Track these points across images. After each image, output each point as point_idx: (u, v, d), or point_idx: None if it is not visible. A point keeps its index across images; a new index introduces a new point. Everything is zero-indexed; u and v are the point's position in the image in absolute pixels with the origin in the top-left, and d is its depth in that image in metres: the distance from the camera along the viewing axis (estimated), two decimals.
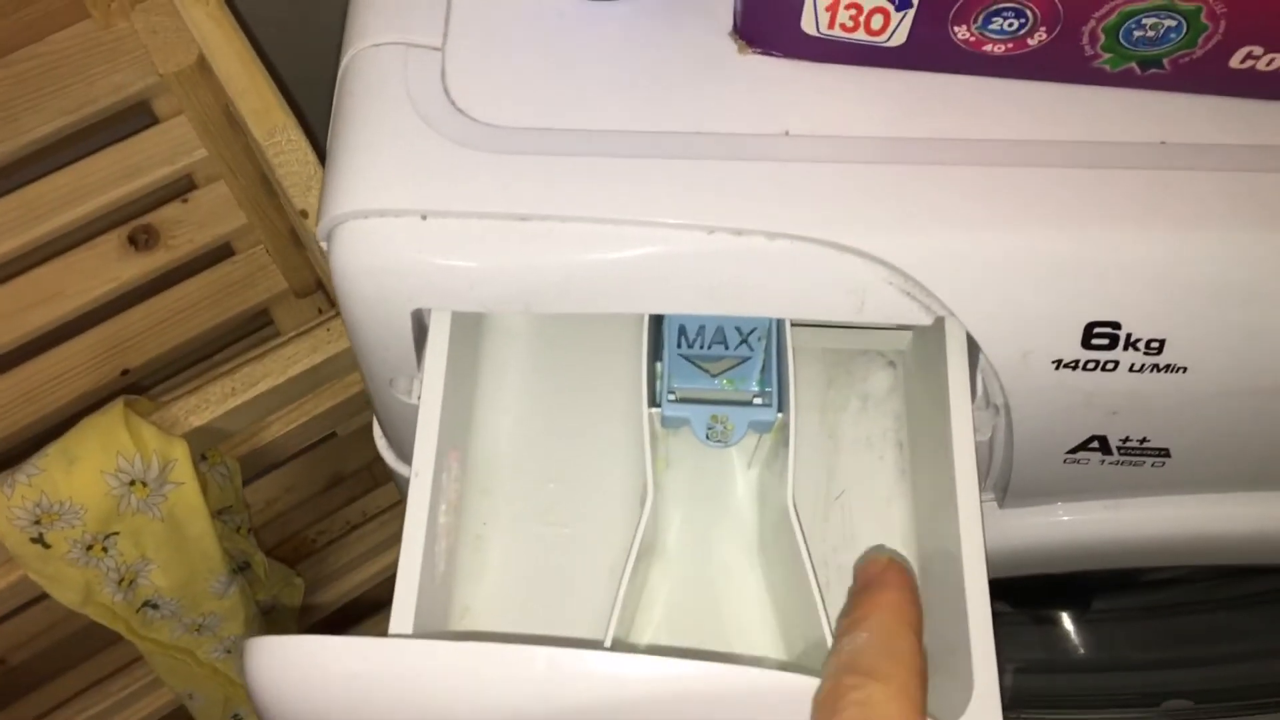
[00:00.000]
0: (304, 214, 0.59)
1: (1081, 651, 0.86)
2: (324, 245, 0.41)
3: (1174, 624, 0.85)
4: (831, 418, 0.49)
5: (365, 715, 0.34)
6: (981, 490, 0.48)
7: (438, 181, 0.40)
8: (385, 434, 0.53)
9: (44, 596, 0.80)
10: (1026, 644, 0.87)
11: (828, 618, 0.38)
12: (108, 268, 0.77)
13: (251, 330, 0.94)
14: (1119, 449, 0.44)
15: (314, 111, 0.78)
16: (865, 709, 0.31)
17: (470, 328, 0.47)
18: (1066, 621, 0.87)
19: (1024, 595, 0.86)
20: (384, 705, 0.34)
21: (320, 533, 0.99)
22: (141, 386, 0.82)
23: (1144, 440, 0.44)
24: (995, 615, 0.91)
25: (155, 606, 0.70)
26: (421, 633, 0.37)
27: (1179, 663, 0.85)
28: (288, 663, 0.34)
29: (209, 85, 0.64)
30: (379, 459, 0.85)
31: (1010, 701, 0.86)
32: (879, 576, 0.36)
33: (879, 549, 0.39)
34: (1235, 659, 0.84)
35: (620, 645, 0.41)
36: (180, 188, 0.79)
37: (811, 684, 0.34)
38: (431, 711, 0.34)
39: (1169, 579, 0.84)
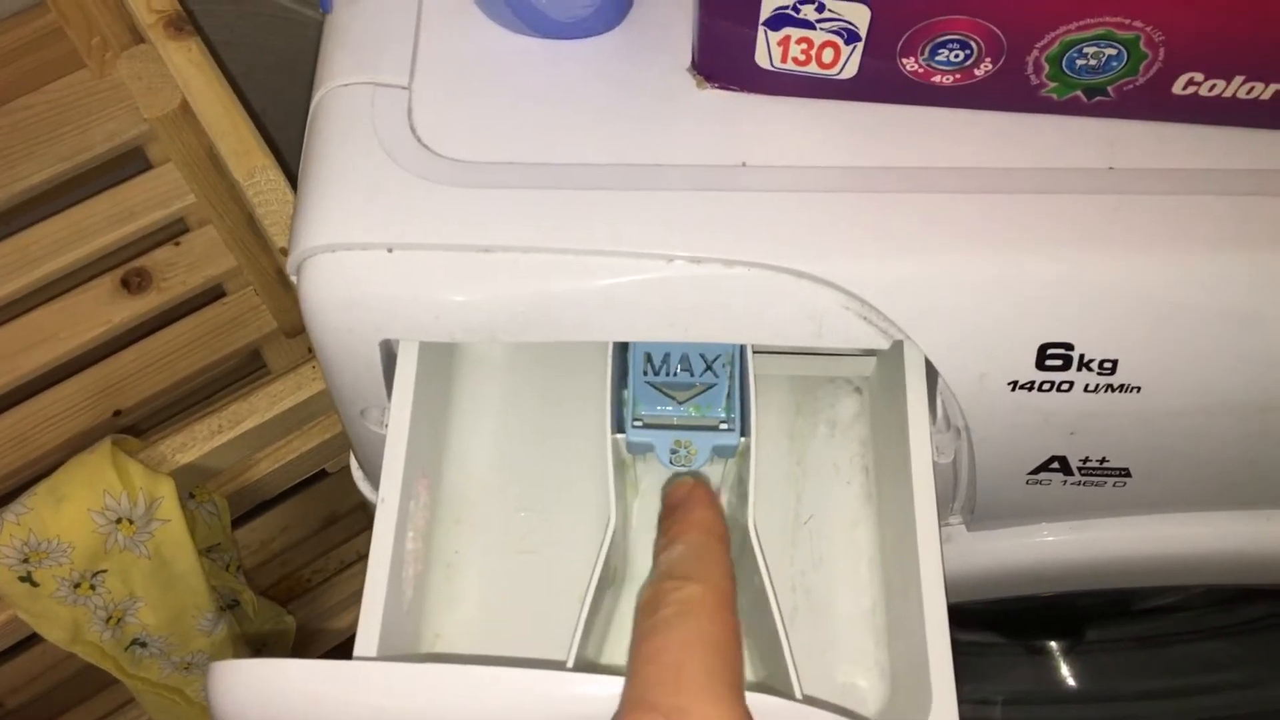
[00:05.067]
0: (284, 252, 0.60)
1: (1073, 683, 0.86)
2: (294, 279, 0.42)
3: (1166, 654, 0.85)
4: (800, 444, 0.49)
5: None
6: (949, 513, 0.49)
7: (403, 215, 0.41)
8: (361, 466, 0.54)
9: (36, 641, 0.80)
10: (1018, 675, 0.87)
11: (787, 638, 0.38)
12: (101, 310, 0.79)
13: (245, 374, 0.96)
14: (1080, 469, 0.45)
15: (296, 150, 0.80)
16: (684, 604, 0.35)
17: (443, 358, 0.48)
18: (1058, 652, 0.87)
19: (1015, 626, 0.86)
20: None
21: (315, 572, 1.00)
22: (133, 428, 0.83)
23: (1103, 460, 0.45)
24: (986, 646, 0.90)
25: (143, 644, 0.70)
26: (385, 656, 0.38)
27: (1172, 693, 0.85)
28: (249, 687, 0.34)
29: (193, 129, 0.66)
30: None
31: None
32: (686, 497, 0.40)
33: (680, 480, 0.42)
34: (1230, 687, 0.84)
35: (591, 668, 0.42)
36: (173, 231, 0.81)
37: (769, 702, 0.34)
38: None
39: (1161, 608, 0.84)
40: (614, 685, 0.34)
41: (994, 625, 0.85)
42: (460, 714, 0.34)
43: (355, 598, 1.00)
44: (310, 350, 0.85)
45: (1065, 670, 0.85)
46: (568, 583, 0.46)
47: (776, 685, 0.39)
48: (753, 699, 0.34)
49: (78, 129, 0.77)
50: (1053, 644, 0.86)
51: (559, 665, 0.38)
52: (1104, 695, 0.85)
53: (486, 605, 0.46)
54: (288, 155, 0.67)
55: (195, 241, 0.80)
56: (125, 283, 0.80)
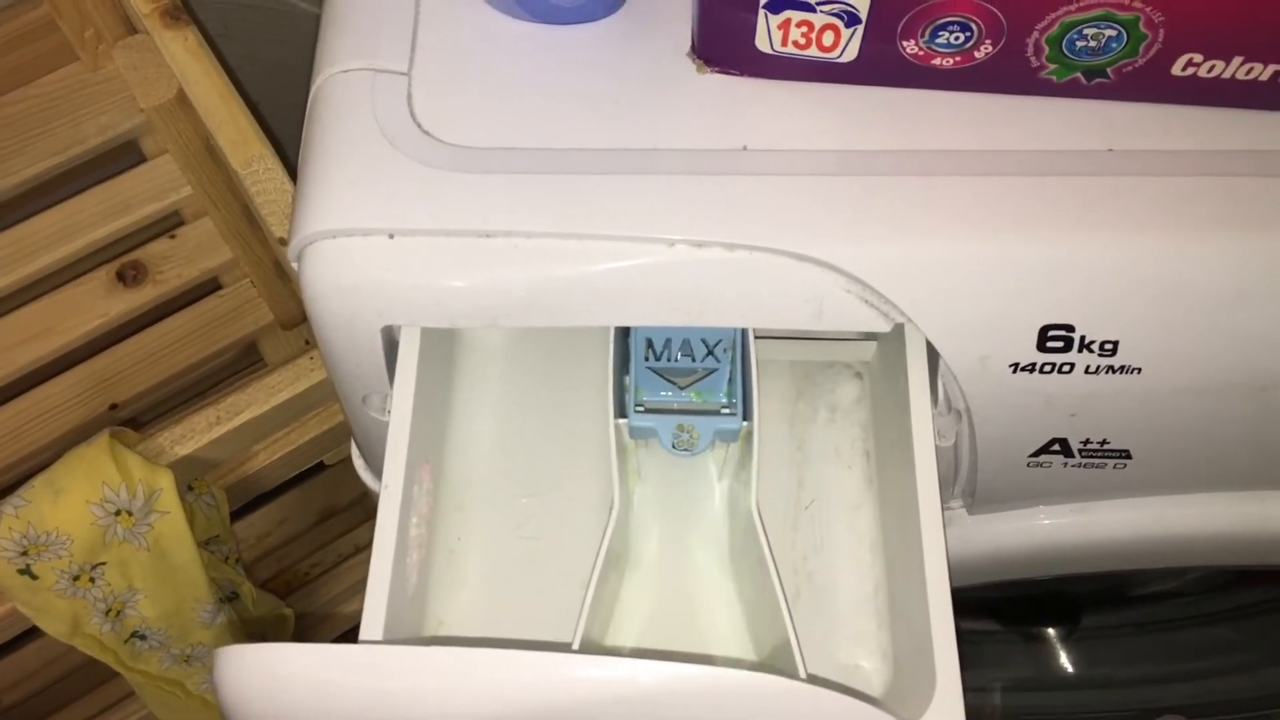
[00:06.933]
0: (283, 241, 0.60)
1: (1071, 669, 0.86)
2: (295, 265, 0.42)
3: (1164, 639, 0.85)
4: (800, 429, 0.50)
5: None
6: (950, 497, 0.49)
7: (404, 201, 0.41)
8: (363, 454, 0.53)
9: (34, 636, 0.80)
10: (1016, 662, 0.87)
11: (791, 619, 0.38)
12: (96, 304, 0.78)
13: (242, 367, 0.95)
14: (1080, 451, 0.45)
15: (292, 144, 0.80)
16: None
17: (444, 345, 0.48)
18: (1056, 640, 0.87)
19: (1013, 614, 0.86)
20: (350, 711, 0.34)
21: (314, 565, 0.99)
22: (129, 422, 0.83)
23: (1104, 442, 0.45)
24: (984, 634, 0.91)
25: (143, 637, 0.70)
26: (390, 641, 0.38)
27: (1170, 678, 0.85)
28: (255, 670, 0.34)
29: (189, 119, 0.66)
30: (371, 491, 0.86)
31: None
32: None
33: None
34: (1227, 672, 0.84)
35: (596, 650, 0.42)
36: (168, 224, 0.80)
37: (773, 682, 0.34)
38: (397, 716, 0.34)
39: (1158, 593, 0.84)
40: (619, 667, 0.34)
41: (992, 613, 0.85)
42: (468, 697, 0.34)
43: (353, 590, 1.00)
44: (308, 342, 0.85)
45: (1063, 657, 0.85)
46: (569, 569, 0.46)
47: (781, 667, 0.39)
48: (758, 680, 0.35)
49: (71, 122, 0.77)
50: (1050, 631, 0.86)
51: (564, 648, 0.38)
52: (1101, 682, 0.85)
53: (489, 591, 0.46)
54: (284, 150, 0.67)
55: (191, 234, 0.80)
56: (121, 276, 0.79)
